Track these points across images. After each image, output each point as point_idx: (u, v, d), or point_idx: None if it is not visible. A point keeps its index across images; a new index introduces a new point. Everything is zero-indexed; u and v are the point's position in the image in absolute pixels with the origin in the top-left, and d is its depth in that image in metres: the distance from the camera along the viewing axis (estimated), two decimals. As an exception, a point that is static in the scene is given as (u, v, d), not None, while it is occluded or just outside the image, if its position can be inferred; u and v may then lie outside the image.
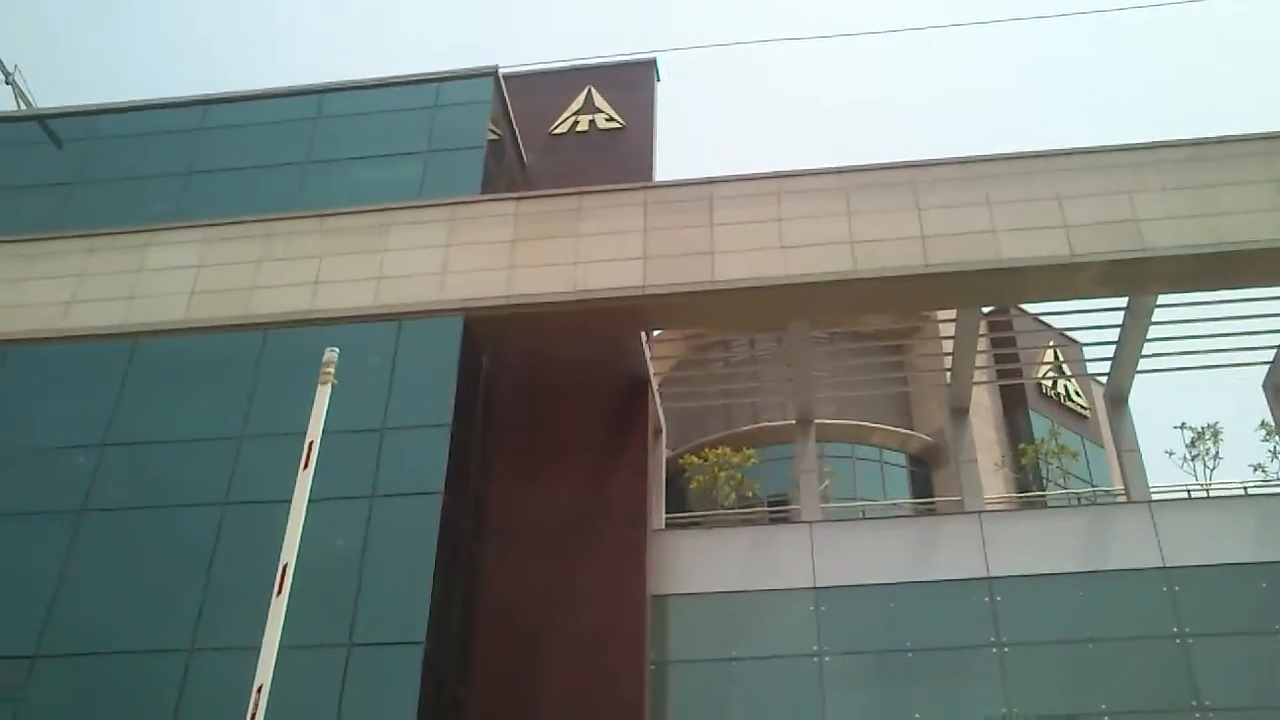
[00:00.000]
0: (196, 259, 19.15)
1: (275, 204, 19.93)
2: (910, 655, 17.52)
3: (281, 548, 10.78)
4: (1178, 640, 17.10)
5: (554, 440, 19.40)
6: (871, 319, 26.31)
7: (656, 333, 24.18)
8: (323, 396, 11.71)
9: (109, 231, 19.74)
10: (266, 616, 10.37)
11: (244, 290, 18.68)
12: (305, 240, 19.09)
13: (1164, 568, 17.70)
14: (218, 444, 17.26)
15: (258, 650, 10.19)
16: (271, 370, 17.90)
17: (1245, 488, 20.24)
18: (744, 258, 18.11)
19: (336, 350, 12.02)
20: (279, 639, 10.29)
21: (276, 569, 10.65)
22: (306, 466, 11.31)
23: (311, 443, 11.45)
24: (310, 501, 11.20)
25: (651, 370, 20.92)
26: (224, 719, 11.23)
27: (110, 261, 19.37)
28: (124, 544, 16.61)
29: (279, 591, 10.52)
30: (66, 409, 18.16)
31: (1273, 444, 20.32)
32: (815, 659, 17.60)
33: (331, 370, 11.86)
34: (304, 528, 10.97)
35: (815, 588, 18.24)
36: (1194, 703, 16.61)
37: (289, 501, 11.09)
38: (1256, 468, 20.81)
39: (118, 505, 16.97)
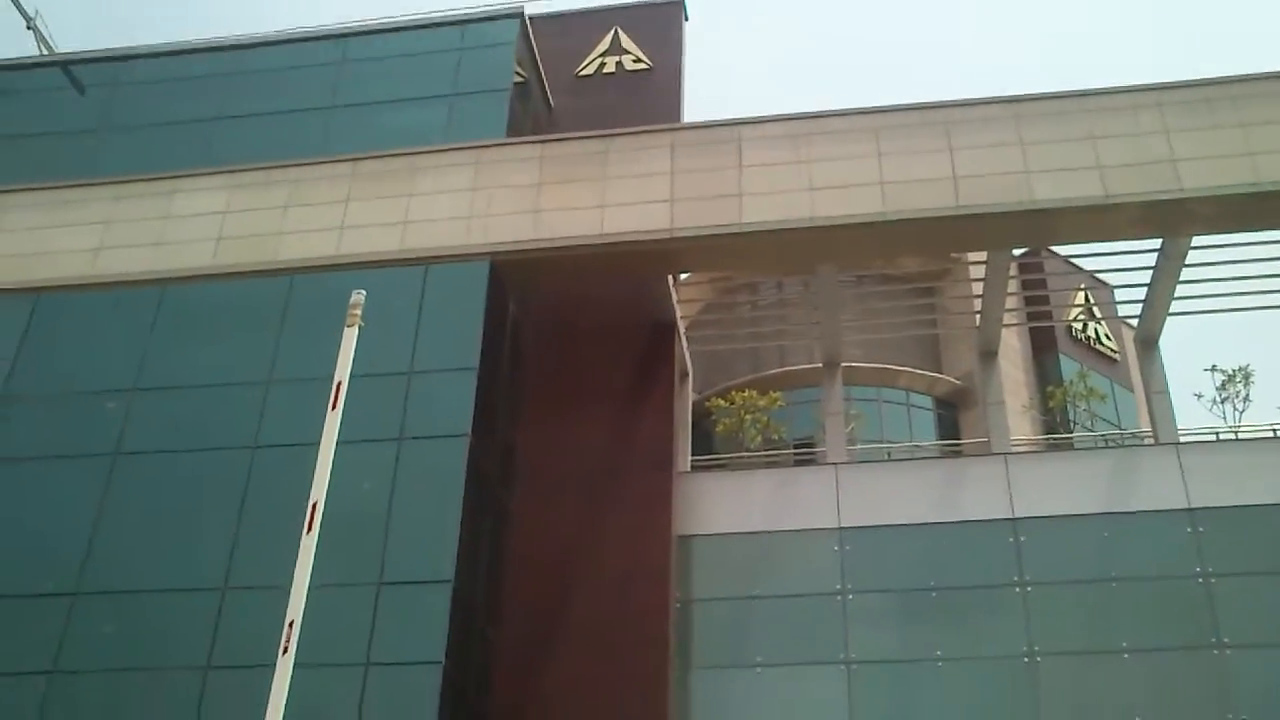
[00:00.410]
0: (223, 205, 19.26)
1: (300, 149, 19.97)
2: (933, 594, 17.63)
3: (310, 489, 10.92)
4: (1200, 580, 17.12)
5: (580, 384, 19.51)
6: (901, 262, 26.17)
7: (683, 276, 24.17)
8: (350, 338, 11.77)
9: (135, 178, 19.87)
10: (297, 555, 10.54)
11: (270, 236, 18.79)
12: (331, 185, 19.15)
13: (1189, 509, 17.69)
14: (246, 388, 17.48)
15: (288, 589, 10.37)
16: (298, 316, 18.05)
17: (1275, 430, 20.12)
18: (772, 200, 18.03)
19: (364, 293, 12.07)
20: (309, 576, 10.46)
21: (306, 509, 10.80)
22: (335, 407, 11.40)
23: (339, 383, 11.54)
24: (338, 444, 11.31)
25: (678, 314, 20.94)
26: (257, 655, 11.43)
27: (137, 208, 19.52)
28: (157, 486, 16.92)
29: (309, 529, 10.66)
30: (97, 355, 18.41)
31: (1303, 385, 20.17)
32: (839, 598, 17.75)
33: (359, 312, 11.92)
34: (332, 470, 11.09)
35: (840, 528, 18.36)
36: (1214, 640, 16.69)
37: (317, 444, 11.23)
38: (1285, 410, 20.67)
39: (150, 449, 17.28)
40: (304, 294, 18.19)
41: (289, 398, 17.10)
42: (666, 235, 18.01)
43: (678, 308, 20.90)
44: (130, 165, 20.33)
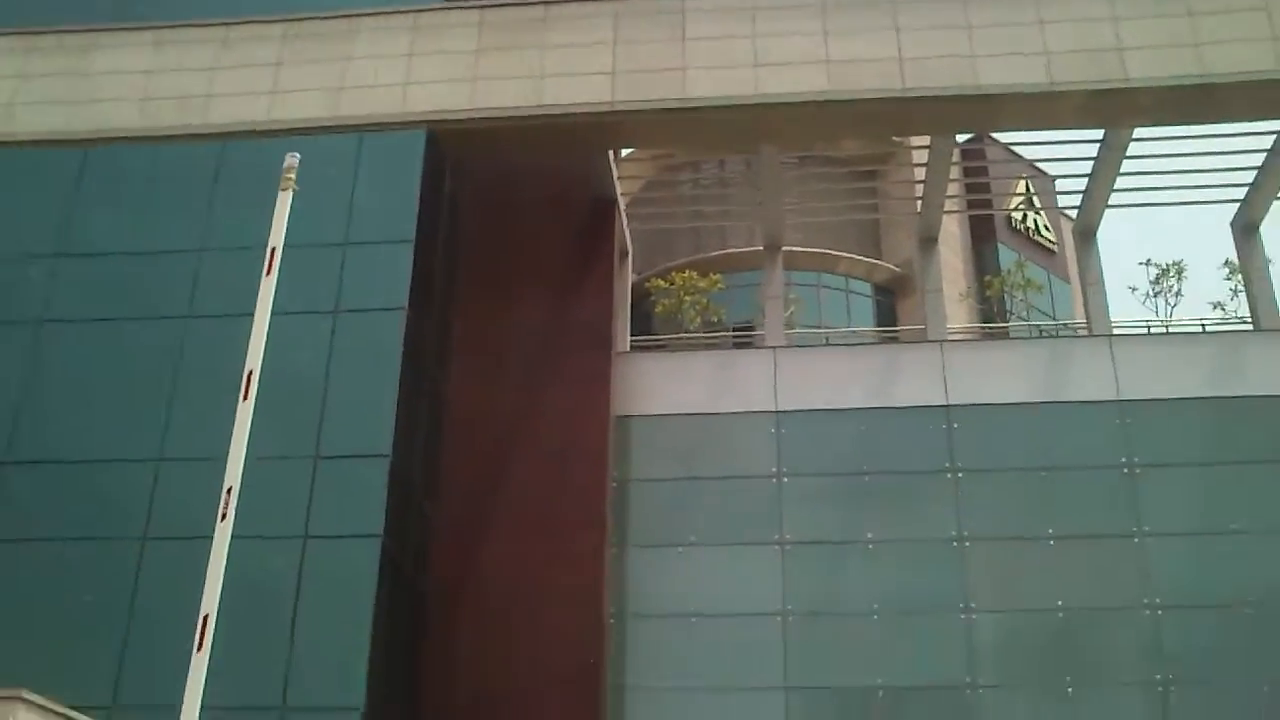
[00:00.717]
0: (147, 64, 18.33)
1: (229, 8, 19.06)
2: (867, 478, 17.90)
3: (245, 359, 10.69)
4: (1126, 470, 17.56)
5: (519, 260, 19.21)
6: (844, 145, 25.96)
7: (625, 152, 23.75)
8: (284, 203, 11.39)
9: (49, 31, 18.83)
10: (233, 427, 10.34)
11: (199, 98, 17.96)
12: (262, 47, 18.31)
13: (1119, 400, 18.04)
14: (179, 256, 16.96)
15: (225, 461, 10.19)
16: (231, 182, 17.45)
17: (1204, 325, 20.48)
18: (716, 75, 17.61)
19: (298, 156, 11.66)
20: (246, 443, 10.29)
21: (241, 380, 10.58)
22: (270, 273, 11.09)
23: (274, 249, 11.21)
24: (273, 315, 11.02)
25: (619, 190, 20.62)
26: (195, 527, 11.28)
27: (51, 63, 18.52)
28: (87, 355, 16.46)
29: (245, 396, 10.47)
30: (16, 218, 17.68)
31: (1234, 282, 20.46)
32: (774, 480, 17.95)
33: (293, 176, 11.52)
34: (267, 342, 10.83)
35: (777, 411, 18.48)
36: (1135, 529, 17.19)
37: (252, 314, 10.94)
38: (1216, 305, 21.03)
39: (78, 317, 16.75)
40: (236, 160, 17.56)
41: (223, 266, 16.61)
42: (607, 108, 17.54)
43: (618, 184, 20.56)
44: (43, 17, 19.25)
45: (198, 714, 9.42)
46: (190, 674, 9.36)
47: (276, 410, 11.75)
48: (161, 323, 16.49)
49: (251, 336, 10.74)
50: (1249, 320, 19.70)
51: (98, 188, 17.70)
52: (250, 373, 10.54)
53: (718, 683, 16.47)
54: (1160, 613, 16.57)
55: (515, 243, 19.32)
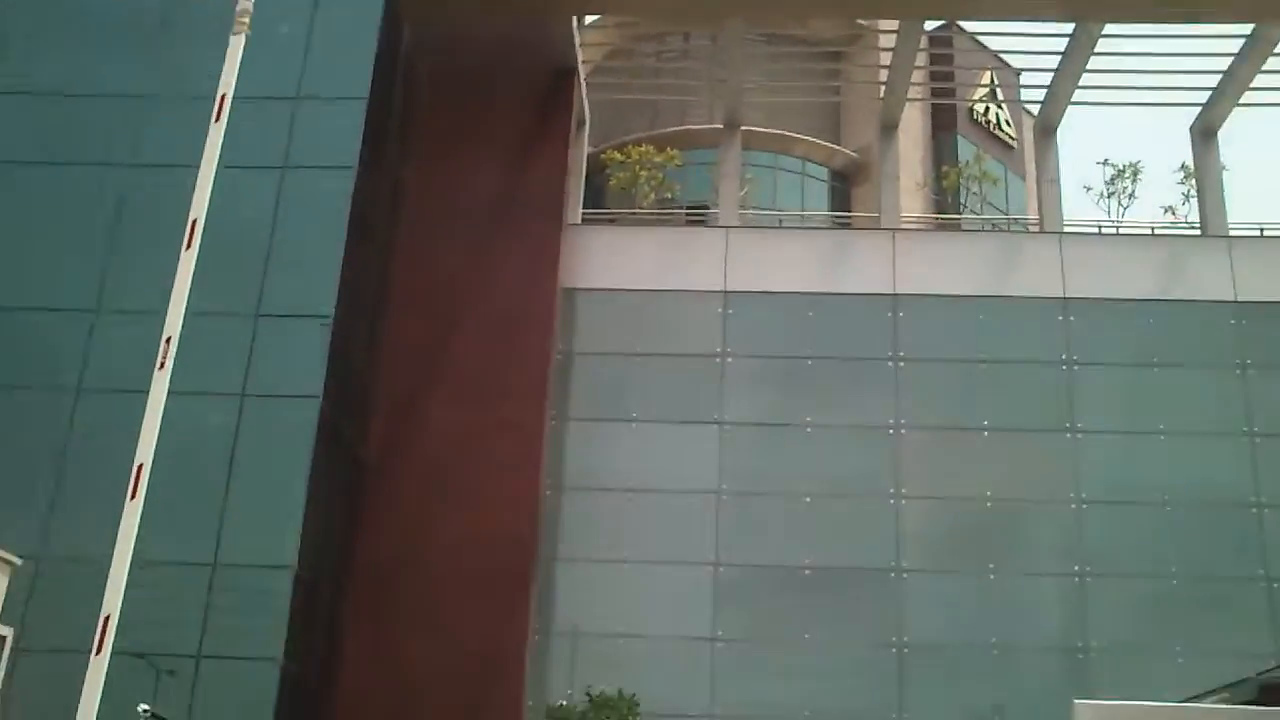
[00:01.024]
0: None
1: None
2: (810, 363, 18.07)
3: (189, 211, 10.48)
4: (1064, 368, 17.85)
5: (474, 126, 18.81)
6: (811, 24, 25.50)
7: (589, 20, 23.18)
8: (237, 46, 11.02)
9: None
10: (173, 281, 10.17)
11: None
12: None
13: (1064, 298, 18.23)
14: (124, 101, 16.43)
15: (164, 315, 10.05)
16: (180, 28, 16.82)
17: (1153, 228, 20.61)
18: (686, -59, 17.18)
19: (253, 0, 11.28)
20: (188, 294, 10.14)
21: (184, 232, 10.38)
22: (218, 119, 10.79)
23: (224, 95, 10.88)
24: (221, 167, 10.79)
25: (580, 58, 20.17)
26: (131, 380, 11.17)
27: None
28: (24, 199, 16.05)
29: (188, 245, 10.27)
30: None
31: (1187, 188, 20.52)
32: (718, 360, 18.07)
33: (247, 21, 11.10)
34: (213, 195, 10.60)
35: (725, 291, 18.51)
36: (1068, 424, 17.56)
37: (197, 166, 10.68)
38: (1168, 209, 21.10)
39: (14, 158, 16.26)
40: (185, 6, 16.94)
41: (170, 114, 16.11)
42: (571, -33, 17.08)
43: (580, 52, 20.11)
44: None
45: (128, 565, 9.45)
46: (123, 522, 9.34)
47: (219, 266, 11.53)
48: (103, 169, 16.06)
49: (197, 185, 10.51)
50: (1198, 226, 19.86)
51: (37, 26, 17.02)
52: (194, 221, 10.31)
53: (649, 556, 16.81)
54: (1085, 507, 17.05)
55: (471, 108, 18.91)
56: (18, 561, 8.18)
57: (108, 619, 9.15)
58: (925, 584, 16.77)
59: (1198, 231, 19.72)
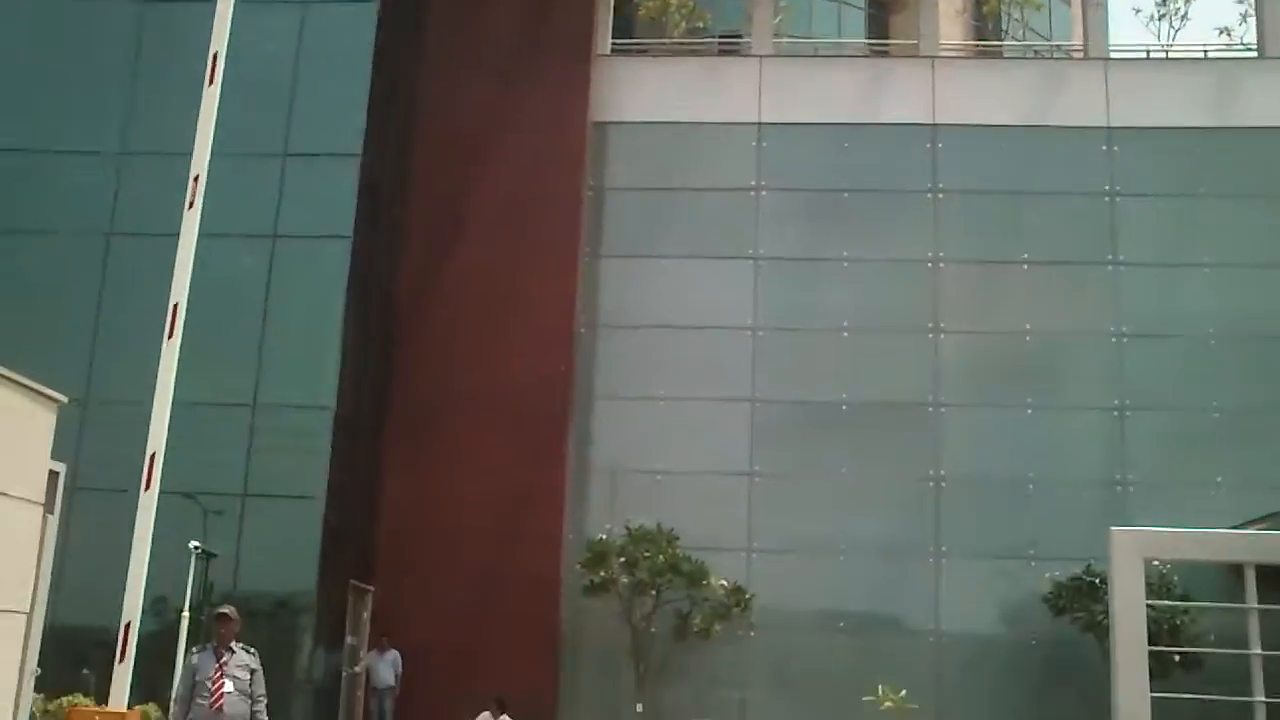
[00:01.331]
0: None
1: None
2: (846, 196, 17.68)
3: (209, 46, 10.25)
4: (1107, 199, 17.39)
5: (499, -47, 18.13)
6: None
7: None
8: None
9: None
10: (197, 118, 9.98)
11: None
12: None
13: (1108, 127, 17.65)
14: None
15: (189, 155, 9.88)
16: None
17: (1206, 51, 19.75)
18: None
19: None
20: (213, 130, 9.98)
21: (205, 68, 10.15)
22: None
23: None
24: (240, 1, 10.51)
25: (608, -119, 19.29)
26: (161, 224, 11.07)
27: None
28: (47, 37, 15.70)
29: (210, 81, 10.11)
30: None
31: (1245, 5, 19.54)
32: (752, 193, 17.70)
33: None
34: (233, 32, 10.34)
35: (759, 123, 18.02)
36: (1110, 257, 17.21)
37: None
38: (1222, 30, 20.16)
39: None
40: None
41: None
42: None
43: (608, -126, 19.22)
44: None
45: (170, 402, 9.49)
46: (162, 360, 9.36)
47: (244, 106, 11.37)
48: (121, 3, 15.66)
49: (215, 20, 10.25)
50: (1254, 48, 19.03)
51: None
52: (215, 55, 10.11)
53: (685, 393, 16.78)
54: (1125, 340, 16.82)
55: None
56: (63, 399, 8.18)
57: (154, 456, 9.28)
58: (963, 418, 16.71)
59: (1254, 53, 18.91)
